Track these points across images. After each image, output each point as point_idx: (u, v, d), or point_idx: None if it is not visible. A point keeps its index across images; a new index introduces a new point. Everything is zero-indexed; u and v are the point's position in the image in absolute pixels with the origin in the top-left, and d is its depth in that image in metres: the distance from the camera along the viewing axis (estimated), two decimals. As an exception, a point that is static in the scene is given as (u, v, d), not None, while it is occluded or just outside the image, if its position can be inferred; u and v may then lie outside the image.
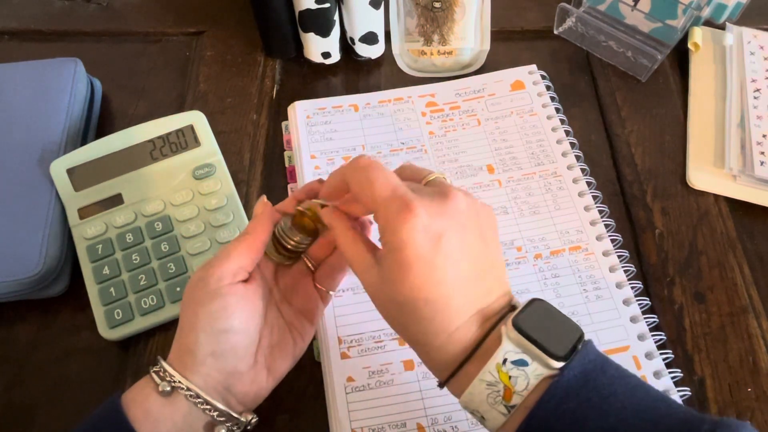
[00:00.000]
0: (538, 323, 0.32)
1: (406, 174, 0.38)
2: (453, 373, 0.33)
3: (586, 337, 0.33)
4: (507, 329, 0.32)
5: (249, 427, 0.39)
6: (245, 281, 0.39)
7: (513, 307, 0.34)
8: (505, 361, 0.31)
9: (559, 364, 0.31)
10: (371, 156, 0.36)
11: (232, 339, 0.37)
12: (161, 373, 0.36)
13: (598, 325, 0.47)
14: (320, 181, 0.42)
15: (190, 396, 0.36)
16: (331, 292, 0.44)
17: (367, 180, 0.34)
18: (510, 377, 0.31)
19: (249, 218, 0.53)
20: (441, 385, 0.35)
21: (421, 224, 0.32)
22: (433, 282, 0.32)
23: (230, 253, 0.38)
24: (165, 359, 0.38)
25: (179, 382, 0.36)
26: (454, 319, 0.33)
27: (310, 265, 0.44)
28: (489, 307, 0.34)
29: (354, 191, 0.35)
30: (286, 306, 0.42)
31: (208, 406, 0.36)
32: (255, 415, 0.39)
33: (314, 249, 0.43)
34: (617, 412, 0.30)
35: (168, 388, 0.36)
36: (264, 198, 0.41)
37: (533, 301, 0.34)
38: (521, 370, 0.31)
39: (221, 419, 0.37)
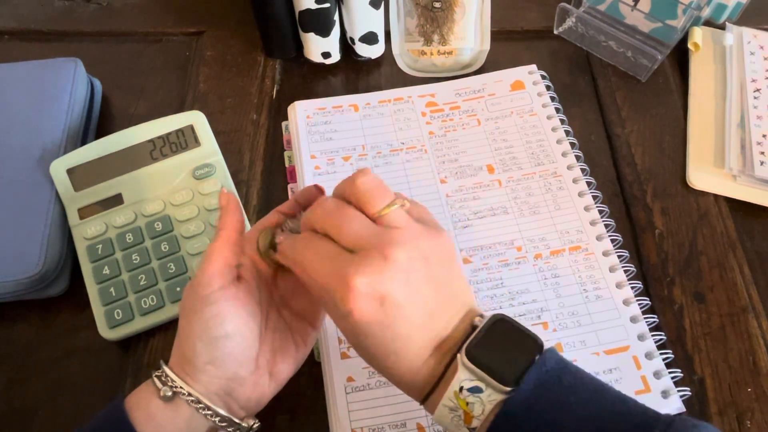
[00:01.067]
0: (493, 346, 0.33)
1: (364, 198, 0.35)
2: (424, 399, 0.35)
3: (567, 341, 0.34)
4: (461, 357, 0.33)
5: None
6: (238, 283, 0.38)
7: (474, 328, 0.35)
8: (462, 388, 0.33)
9: (512, 386, 0.32)
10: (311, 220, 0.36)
11: (228, 345, 0.36)
12: (163, 378, 0.36)
13: (598, 325, 0.47)
14: (317, 187, 0.41)
15: (192, 401, 0.36)
16: None
17: (306, 264, 0.35)
18: (467, 403, 0.33)
19: (249, 218, 0.53)
20: (421, 403, 0.36)
21: (363, 296, 0.32)
22: (388, 339, 0.33)
23: (211, 255, 0.37)
24: (165, 360, 0.37)
25: (180, 387, 0.36)
26: (416, 361, 0.34)
27: None
28: (449, 338, 0.35)
29: (302, 277, 0.36)
30: (287, 309, 0.42)
31: (210, 412, 0.36)
32: (257, 421, 0.39)
33: None
34: (572, 421, 0.31)
35: (169, 393, 0.36)
36: (224, 189, 0.41)
37: (490, 319, 0.34)
38: (476, 396, 0.32)
39: (223, 424, 0.37)
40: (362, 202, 0.35)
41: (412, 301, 0.34)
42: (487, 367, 0.32)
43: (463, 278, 0.37)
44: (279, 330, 0.40)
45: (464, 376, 0.33)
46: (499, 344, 0.33)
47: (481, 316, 0.35)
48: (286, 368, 0.40)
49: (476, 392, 0.32)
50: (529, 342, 0.34)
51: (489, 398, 0.32)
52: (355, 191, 0.36)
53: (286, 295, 0.42)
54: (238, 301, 0.37)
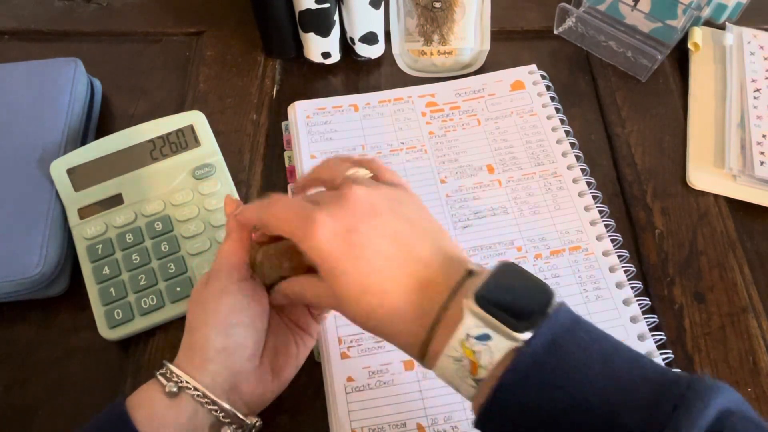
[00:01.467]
0: (503, 292, 0.31)
1: (325, 175, 0.40)
2: (423, 352, 0.33)
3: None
4: (468, 303, 0.31)
5: (253, 431, 0.39)
6: (251, 280, 0.40)
7: (470, 272, 0.33)
8: (468, 336, 0.30)
9: (524, 336, 0.30)
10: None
11: (241, 334, 0.38)
12: (168, 375, 0.37)
13: (598, 325, 0.47)
14: None
15: (197, 396, 0.36)
16: (325, 314, 0.45)
17: (273, 216, 0.37)
18: (474, 352, 0.30)
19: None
20: (421, 359, 0.34)
21: (328, 230, 0.33)
22: (362, 274, 0.33)
23: (230, 252, 0.40)
24: (165, 360, 0.38)
25: (186, 382, 0.36)
26: (401, 299, 0.33)
27: None
28: (437, 280, 0.33)
29: (271, 228, 0.37)
30: (285, 315, 0.43)
31: (215, 407, 0.36)
32: (260, 419, 0.39)
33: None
34: (588, 379, 0.29)
35: (175, 389, 0.36)
36: (229, 196, 0.42)
37: (500, 266, 0.32)
38: (484, 344, 0.30)
39: (226, 420, 0.37)
40: (326, 175, 0.39)
41: (380, 232, 0.33)
42: (498, 313, 0.30)
43: (441, 225, 0.37)
44: (280, 330, 0.42)
45: (472, 322, 0.30)
46: (509, 290, 0.31)
47: (478, 265, 0.34)
48: (288, 368, 0.41)
49: (484, 340, 0.30)
50: (541, 290, 0.32)
51: (498, 346, 0.30)
52: (323, 168, 0.40)
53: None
54: (252, 296, 0.39)
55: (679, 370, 0.31)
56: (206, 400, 0.36)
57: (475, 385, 0.31)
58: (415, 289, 0.33)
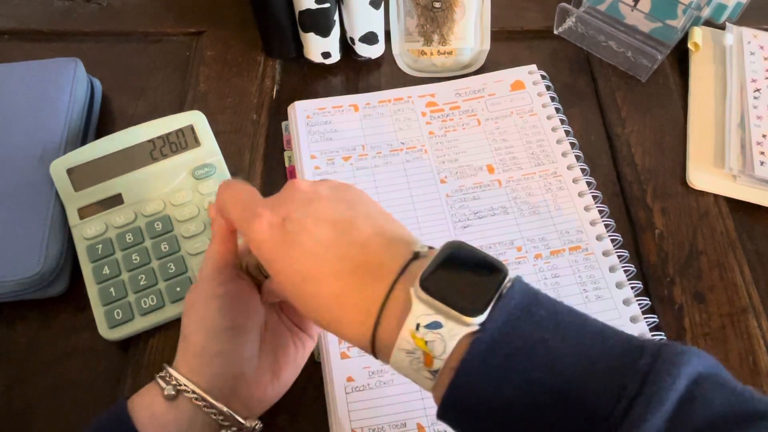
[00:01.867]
0: (452, 275, 0.29)
1: None
2: (372, 345, 0.31)
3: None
4: (415, 290, 0.29)
5: None
6: (240, 281, 0.39)
7: (416, 255, 0.31)
8: (418, 326, 0.29)
9: (476, 319, 0.28)
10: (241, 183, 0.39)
11: (236, 337, 0.37)
12: (167, 378, 0.37)
13: (598, 325, 0.47)
14: None
15: (195, 399, 0.36)
16: None
17: (224, 204, 0.37)
18: (426, 342, 0.28)
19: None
20: (372, 350, 0.32)
21: (266, 220, 0.33)
22: (296, 260, 0.32)
23: (215, 255, 0.39)
24: (165, 360, 0.38)
25: (184, 385, 0.36)
26: (338, 285, 0.31)
27: None
28: (371, 260, 0.31)
29: (224, 215, 0.38)
30: (284, 314, 0.43)
31: (213, 410, 0.36)
32: (259, 422, 0.39)
33: None
34: (548, 360, 0.28)
35: (173, 392, 0.36)
36: (211, 204, 0.42)
37: (447, 245, 0.31)
38: (436, 333, 0.28)
39: (226, 423, 0.37)
40: None
41: (316, 217, 0.32)
42: (446, 298, 0.28)
43: (390, 215, 0.35)
44: (279, 331, 0.42)
45: (420, 310, 0.28)
46: (459, 272, 0.29)
47: (430, 247, 0.32)
48: (288, 369, 0.41)
49: (435, 328, 0.28)
50: (493, 267, 0.30)
51: (450, 333, 0.28)
52: None
53: (282, 304, 0.43)
54: (241, 297, 0.39)
55: (647, 338, 0.29)
56: (204, 403, 0.36)
57: (432, 377, 0.29)
58: (352, 274, 0.31)
